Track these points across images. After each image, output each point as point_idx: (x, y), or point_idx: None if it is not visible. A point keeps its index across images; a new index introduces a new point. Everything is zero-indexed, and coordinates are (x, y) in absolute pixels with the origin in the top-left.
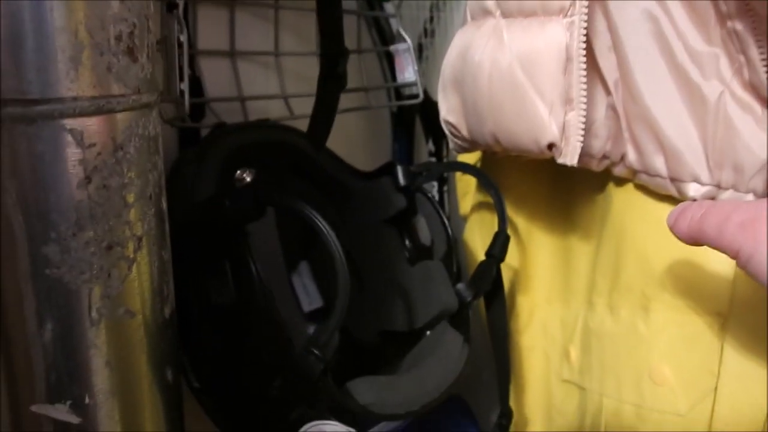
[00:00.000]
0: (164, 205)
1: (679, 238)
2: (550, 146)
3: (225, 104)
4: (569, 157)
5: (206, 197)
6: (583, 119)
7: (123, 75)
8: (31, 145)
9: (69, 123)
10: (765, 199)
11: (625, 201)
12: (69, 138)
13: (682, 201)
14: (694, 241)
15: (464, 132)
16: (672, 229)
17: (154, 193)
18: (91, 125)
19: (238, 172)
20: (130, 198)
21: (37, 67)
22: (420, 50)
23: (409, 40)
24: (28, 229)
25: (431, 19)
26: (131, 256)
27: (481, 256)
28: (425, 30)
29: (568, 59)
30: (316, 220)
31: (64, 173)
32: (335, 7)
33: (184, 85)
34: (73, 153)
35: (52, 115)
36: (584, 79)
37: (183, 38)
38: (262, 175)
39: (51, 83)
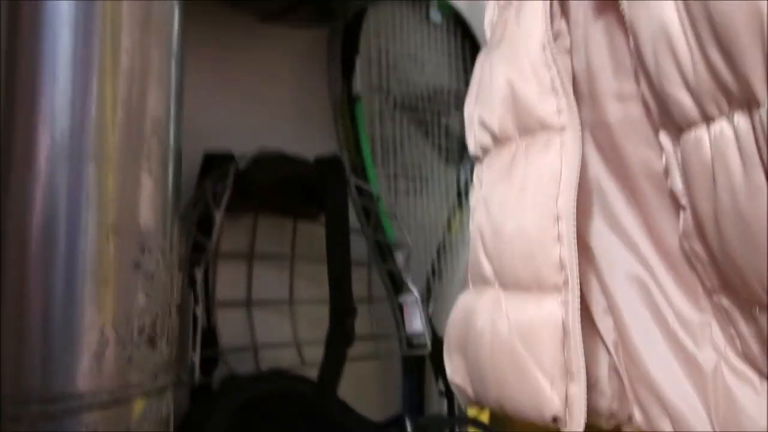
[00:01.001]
0: None
1: None
2: (554, 418)
3: (239, 353)
4: (575, 425)
5: None
6: (585, 390)
7: (142, 364)
8: None
9: (86, 418)
10: None
11: None
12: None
13: None
14: None
15: (470, 393)
16: None
17: None
18: (108, 416)
19: None
20: None
21: (63, 365)
22: (428, 291)
23: (416, 293)
24: None
25: (438, 260)
26: None
27: None
28: (432, 270)
29: (566, 334)
30: None
31: None
32: (344, 266)
33: (195, 357)
34: None
35: (72, 412)
36: (582, 353)
37: (199, 311)
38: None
39: (74, 380)
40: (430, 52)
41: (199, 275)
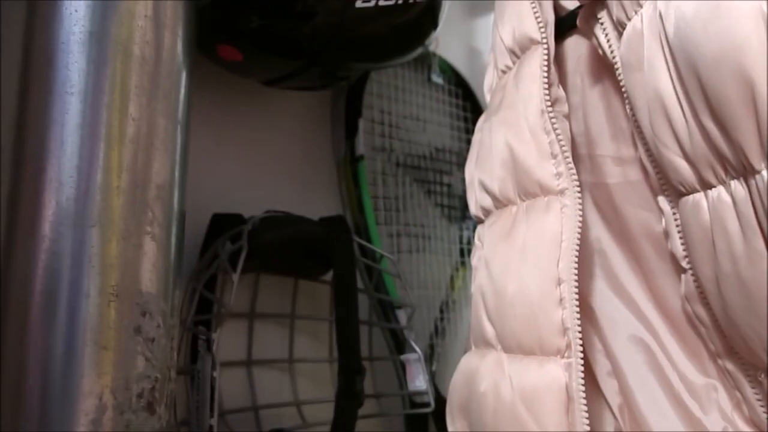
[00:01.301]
0: None
1: None
2: None
3: (240, 413)
4: None
5: None
6: None
7: (140, 429)
8: None
9: None
10: None
11: None
12: None
13: None
14: None
15: None
16: None
17: None
18: None
19: None
20: None
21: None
22: (431, 349)
23: (419, 351)
24: None
25: (441, 318)
26: None
27: None
28: (436, 328)
29: (569, 399)
30: None
31: None
32: (353, 325)
33: (214, 420)
34: None
35: None
36: (586, 418)
37: (216, 374)
38: None
39: None
40: (432, 112)
41: (216, 338)
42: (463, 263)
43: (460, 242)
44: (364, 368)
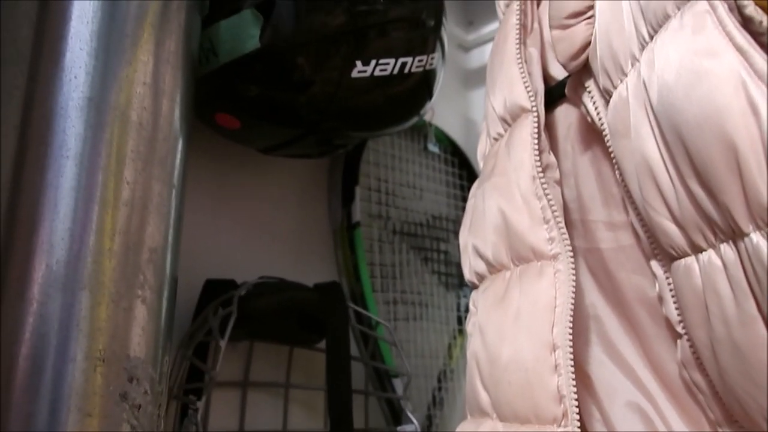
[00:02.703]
0: None
1: None
2: None
3: None
4: None
5: None
6: None
7: None
8: None
9: None
10: None
11: None
12: None
13: None
14: None
15: None
16: None
17: None
18: None
19: None
20: None
21: None
22: (429, 420)
23: (416, 423)
24: None
25: (439, 388)
26: None
27: None
28: (434, 399)
29: None
30: None
31: None
32: (345, 394)
33: None
34: None
35: None
36: None
37: None
38: None
39: None
40: (428, 181)
41: (201, 407)
42: (460, 331)
43: (458, 310)
44: None
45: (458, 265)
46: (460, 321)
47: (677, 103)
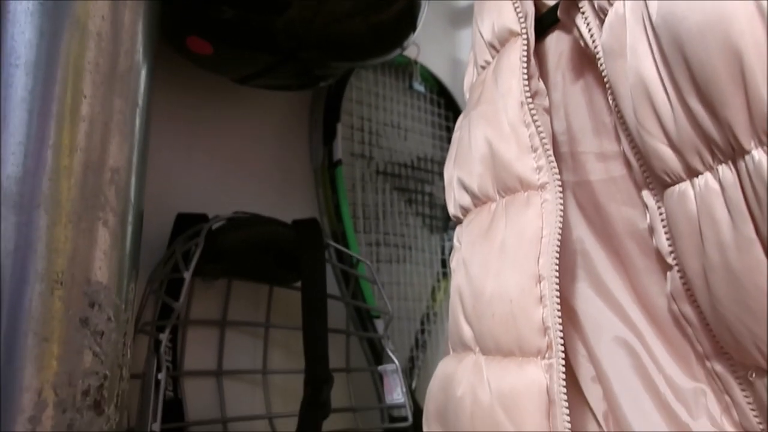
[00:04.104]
0: None
1: None
2: None
3: (207, 426)
4: None
5: None
6: None
7: (85, 430)
8: None
9: None
10: None
11: None
12: None
13: None
14: None
15: None
16: None
17: None
18: None
19: None
20: None
21: None
22: (412, 363)
23: (397, 362)
24: None
25: (422, 331)
26: None
27: None
28: (416, 342)
29: (550, 402)
30: None
31: None
32: (320, 332)
33: (156, 426)
34: None
35: None
36: (568, 423)
37: (161, 377)
38: None
39: None
40: (413, 121)
41: (164, 339)
42: (444, 274)
43: (442, 253)
44: (332, 378)
45: (443, 208)
46: (444, 264)
47: (678, 11)
